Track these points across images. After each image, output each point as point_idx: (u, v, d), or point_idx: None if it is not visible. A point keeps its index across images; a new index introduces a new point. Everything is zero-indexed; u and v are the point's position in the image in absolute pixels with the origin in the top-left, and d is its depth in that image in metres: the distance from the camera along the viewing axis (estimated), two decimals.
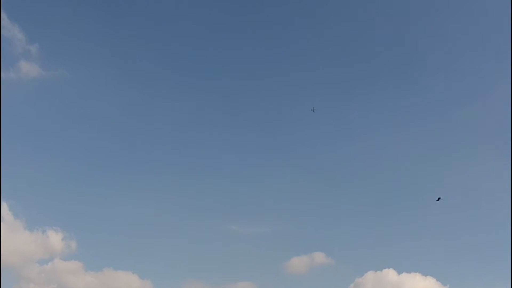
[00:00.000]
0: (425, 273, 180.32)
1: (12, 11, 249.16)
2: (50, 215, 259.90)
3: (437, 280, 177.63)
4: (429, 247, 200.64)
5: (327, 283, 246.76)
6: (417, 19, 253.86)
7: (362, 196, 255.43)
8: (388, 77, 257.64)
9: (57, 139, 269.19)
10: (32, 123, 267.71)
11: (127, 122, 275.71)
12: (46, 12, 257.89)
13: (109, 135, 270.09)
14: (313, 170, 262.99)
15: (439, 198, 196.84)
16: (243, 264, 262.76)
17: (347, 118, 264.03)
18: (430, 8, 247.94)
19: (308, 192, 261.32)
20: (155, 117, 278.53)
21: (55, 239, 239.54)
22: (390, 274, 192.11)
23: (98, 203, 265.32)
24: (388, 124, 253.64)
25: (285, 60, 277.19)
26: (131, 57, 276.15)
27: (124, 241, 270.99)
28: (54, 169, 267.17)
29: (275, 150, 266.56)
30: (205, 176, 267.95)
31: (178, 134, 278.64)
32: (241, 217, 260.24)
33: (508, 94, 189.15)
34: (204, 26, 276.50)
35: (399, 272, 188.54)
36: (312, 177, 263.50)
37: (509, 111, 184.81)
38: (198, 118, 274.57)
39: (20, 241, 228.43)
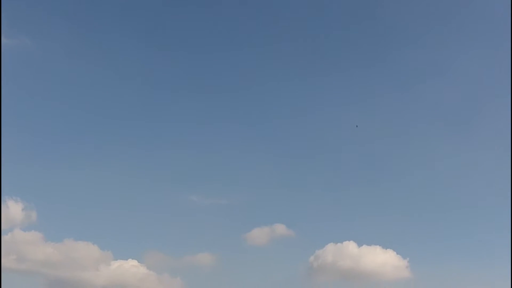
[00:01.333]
0: (385, 246, 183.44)
1: None
2: (10, 185, 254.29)
3: (397, 254, 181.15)
4: (390, 221, 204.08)
5: (287, 254, 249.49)
6: None
7: (325, 169, 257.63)
8: (354, 51, 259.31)
9: (16, 108, 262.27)
10: None
11: (86, 93, 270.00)
12: None
13: (68, 105, 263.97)
14: (276, 141, 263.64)
15: (357, 126, 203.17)
16: (202, 236, 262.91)
17: (312, 91, 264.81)
18: None
19: (270, 163, 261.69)
20: (115, 87, 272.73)
21: (14, 209, 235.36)
22: (350, 246, 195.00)
23: (58, 173, 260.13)
24: (354, 99, 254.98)
25: (251, 32, 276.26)
26: (101, 31, 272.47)
27: (84, 212, 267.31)
28: (14, 139, 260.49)
29: (237, 120, 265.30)
30: (164, 146, 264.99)
31: (136, 104, 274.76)
32: (201, 188, 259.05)
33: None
34: None
35: (360, 244, 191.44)
36: (275, 149, 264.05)
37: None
38: (160, 87, 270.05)
39: None
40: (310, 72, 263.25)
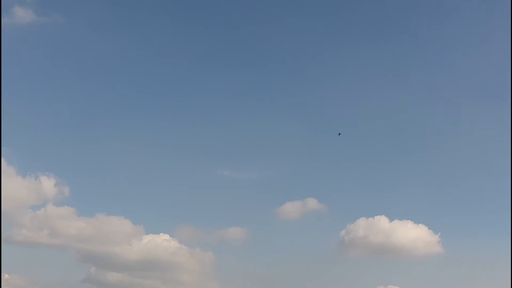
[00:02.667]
0: (417, 221, 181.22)
1: None
2: (43, 161, 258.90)
3: (428, 228, 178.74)
4: (422, 195, 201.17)
5: (319, 229, 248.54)
6: None
7: (356, 142, 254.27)
8: (380, 24, 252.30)
9: (50, 85, 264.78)
10: (25, 69, 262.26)
11: (121, 69, 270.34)
12: None
13: (102, 82, 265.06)
14: (307, 115, 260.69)
15: (339, 134, 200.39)
16: (234, 210, 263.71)
17: (341, 64, 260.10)
18: None
19: (302, 137, 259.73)
20: (147, 64, 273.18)
21: (47, 184, 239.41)
22: (381, 221, 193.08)
23: (91, 148, 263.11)
24: (384, 71, 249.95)
25: (272, 6, 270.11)
26: (129, 7, 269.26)
27: (117, 187, 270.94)
28: (47, 115, 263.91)
29: (270, 96, 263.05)
30: (196, 121, 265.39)
31: (171, 79, 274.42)
32: (233, 162, 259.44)
33: None
34: None
35: (391, 219, 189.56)
36: (307, 123, 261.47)
37: None
38: (190, 65, 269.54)
39: (13, 187, 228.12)
40: (338, 45, 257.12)
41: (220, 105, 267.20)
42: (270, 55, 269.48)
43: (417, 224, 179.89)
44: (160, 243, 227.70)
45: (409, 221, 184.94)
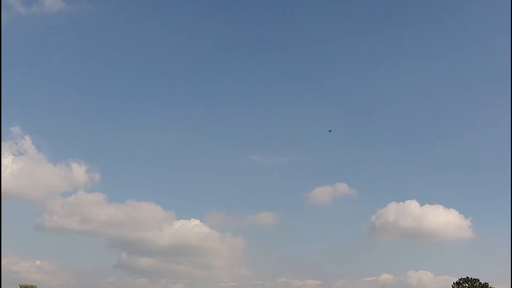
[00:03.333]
0: (448, 206, 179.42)
1: None
2: (74, 148, 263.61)
3: (459, 213, 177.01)
4: (453, 179, 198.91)
5: (349, 214, 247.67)
6: None
7: (386, 126, 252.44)
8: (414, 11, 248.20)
9: (80, 72, 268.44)
10: (55, 57, 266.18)
11: (150, 55, 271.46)
12: None
13: (132, 68, 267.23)
14: (337, 100, 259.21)
15: (330, 130, 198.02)
16: (264, 195, 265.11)
17: (371, 50, 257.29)
18: None
19: (332, 122, 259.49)
20: (178, 50, 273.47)
21: (78, 171, 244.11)
22: (412, 205, 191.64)
23: (121, 135, 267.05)
24: (416, 57, 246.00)
25: None
26: None
27: (147, 173, 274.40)
28: (77, 102, 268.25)
29: (298, 81, 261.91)
30: (226, 106, 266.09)
31: (200, 65, 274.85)
32: (263, 147, 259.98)
33: None
34: None
35: (422, 203, 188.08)
36: (336, 107, 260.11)
37: None
38: (221, 49, 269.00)
39: (44, 174, 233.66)
40: (368, 31, 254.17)
41: (250, 91, 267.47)
42: (300, 41, 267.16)
43: (448, 208, 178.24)
44: (191, 228, 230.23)
45: (440, 205, 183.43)
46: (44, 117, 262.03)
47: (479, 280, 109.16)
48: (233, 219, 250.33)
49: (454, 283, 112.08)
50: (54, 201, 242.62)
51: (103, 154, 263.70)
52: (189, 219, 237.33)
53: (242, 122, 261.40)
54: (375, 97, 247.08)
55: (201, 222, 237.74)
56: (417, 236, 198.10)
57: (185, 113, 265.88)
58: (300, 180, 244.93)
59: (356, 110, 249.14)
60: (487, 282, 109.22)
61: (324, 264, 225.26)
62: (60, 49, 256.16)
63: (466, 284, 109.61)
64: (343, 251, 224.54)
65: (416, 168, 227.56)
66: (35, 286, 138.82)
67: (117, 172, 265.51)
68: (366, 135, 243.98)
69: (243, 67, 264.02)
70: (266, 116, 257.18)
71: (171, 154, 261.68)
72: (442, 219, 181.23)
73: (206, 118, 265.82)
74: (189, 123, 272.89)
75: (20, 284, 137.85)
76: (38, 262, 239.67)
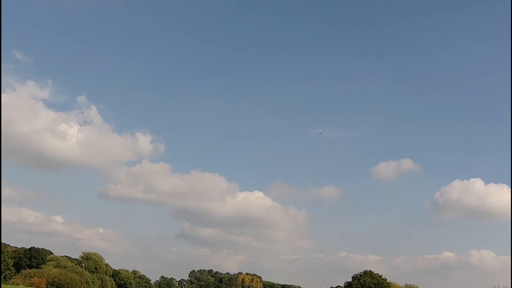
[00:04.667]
0: None
1: None
2: (139, 118, 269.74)
3: None
4: None
5: (413, 190, 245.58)
6: None
7: (455, 103, 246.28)
8: None
9: (146, 43, 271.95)
10: (122, 28, 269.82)
11: (214, 27, 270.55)
12: None
13: (197, 40, 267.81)
14: (405, 75, 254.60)
15: (320, 132, 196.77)
16: (328, 169, 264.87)
17: (439, 27, 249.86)
18: None
19: (397, 96, 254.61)
20: (241, 22, 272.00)
21: (143, 141, 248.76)
22: (476, 183, 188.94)
23: (186, 106, 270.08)
24: (483, 35, 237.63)
25: None
26: None
27: (212, 144, 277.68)
28: (143, 72, 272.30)
29: (366, 54, 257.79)
30: (292, 80, 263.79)
31: (266, 36, 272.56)
32: (327, 121, 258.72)
33: None
34: None
35: (486, 182, 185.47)
36: (404, 82, 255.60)
37: None
38: (287, 21, 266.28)
39: (109, 144, 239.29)
40: (439, 8, 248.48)
41: (317, 63, 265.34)
42: (371, 15, 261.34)
43: None
44: (254, 200, 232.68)
45: (505, 184, 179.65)
46: (110, 87, 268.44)
47: None
48: (296, 192, 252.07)
49: None
50: (118, 170, 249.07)
51: (168, 124, 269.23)
52: (253, 191, 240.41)
53: (308, 95, 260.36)
54: (444, 73, 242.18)
55: (264, 194, 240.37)
56: (481, 215, 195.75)
57: (250, 85, 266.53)
58: (365, 155, 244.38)
59: (424, 86, 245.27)
60: None
61: (385, 240, 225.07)
62: (127, 20, 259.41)
63: None
64: (405, 228, 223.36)
65: (482, 146, 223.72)
66: (98, 253, 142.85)
67: (182, 143, 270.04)
68: (433, 111, 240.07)
69: (310, 38, 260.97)
70: (331, 89, 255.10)
71: (236, 126, 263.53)
72: (506, 198, 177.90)
73: (271, 91, 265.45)
74: (254, 96, 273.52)
75: (83, 251, 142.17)
76: (101, 230, 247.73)
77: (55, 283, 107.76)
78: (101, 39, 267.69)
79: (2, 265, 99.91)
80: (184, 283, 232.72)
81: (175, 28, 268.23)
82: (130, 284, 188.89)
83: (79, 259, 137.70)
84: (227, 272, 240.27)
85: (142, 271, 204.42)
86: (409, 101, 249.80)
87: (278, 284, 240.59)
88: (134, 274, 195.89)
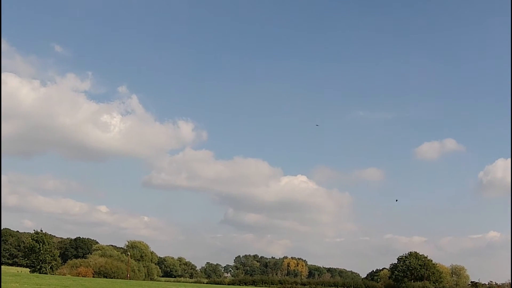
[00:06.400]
0: None
1: None
2: (180, 106, 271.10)
3: None
4: None
5: (457, 170, 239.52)
6: None
7: (494, 81, 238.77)
8: None
9: (186, 31, 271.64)
10: (157, 16, 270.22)
11: (254, 9, 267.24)
12: None
13: (238, 23, 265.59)
14: (446, 54, 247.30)
15: (317, 125, 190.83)
16: (370, 150, 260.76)
17: (479, 2, 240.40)
18: None
19: (440, 76, 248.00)
20: (281, 1, 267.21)
21: (185, 129, 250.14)
22: None
23: (228, 92, 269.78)
24: None
25: None
26: None
27: (254, 129, 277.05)
28: (183, 61, 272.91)
29: (405, 34, 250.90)
30: (333, 60, 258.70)
31: (306, 18, 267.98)
32: (369, 102, 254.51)
33: None
34: None
35: None
36: (445, 62, 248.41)
37: None
38: (328, 1, 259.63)
39: (151, 132, 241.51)
40: None
41: (358, 43, 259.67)
42: None
43: None
44: (298, 184, 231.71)
45: None
46: (151, 76, 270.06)
47: None
48: (339, 175, 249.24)
49: None
50: (161, 158, 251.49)
51: (209, 111, 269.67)
52: (296, 175, 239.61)
53: (348, 76, 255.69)
54: (485, 52, 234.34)
55: (307, 178, 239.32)
56: None
57: (290, 68, 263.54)
58: (407, 136, 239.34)
59: (466, 66, 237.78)
60: None
61: (430, 220, 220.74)
62: (164, 7, 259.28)
63: None
64: (450, 208, 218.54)
65: None
66: (143, 242, 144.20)
67: (224, 129, 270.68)
68: (476, 90, 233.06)
69: (350, 19, 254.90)
70: (372, 70, 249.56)
71: (278, 110, 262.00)
72: None
73: (312, 72, 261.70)
74: (294, 78, 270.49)
75: (128, 240, 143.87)
76: (146, 218, 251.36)
77: (101, 272, 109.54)
78: (139, 29, 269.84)
79: (48, 256, 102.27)
80: (230, 268, 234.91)
81: (215, 13, 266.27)
82: (176, 271, 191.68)
83: (125, 248, 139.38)
84: (272, 257, 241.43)
85: (188, 257, 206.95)
86: (451, 81, 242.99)
87: (324, 267, 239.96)
88: (180, 261, 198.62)
